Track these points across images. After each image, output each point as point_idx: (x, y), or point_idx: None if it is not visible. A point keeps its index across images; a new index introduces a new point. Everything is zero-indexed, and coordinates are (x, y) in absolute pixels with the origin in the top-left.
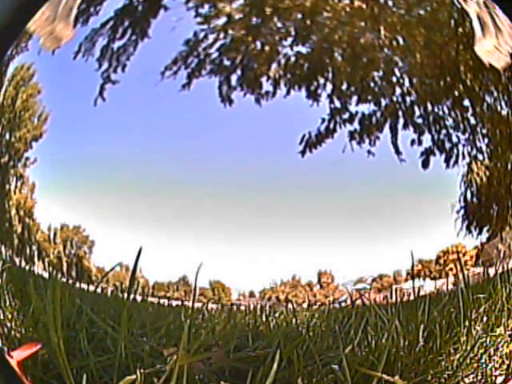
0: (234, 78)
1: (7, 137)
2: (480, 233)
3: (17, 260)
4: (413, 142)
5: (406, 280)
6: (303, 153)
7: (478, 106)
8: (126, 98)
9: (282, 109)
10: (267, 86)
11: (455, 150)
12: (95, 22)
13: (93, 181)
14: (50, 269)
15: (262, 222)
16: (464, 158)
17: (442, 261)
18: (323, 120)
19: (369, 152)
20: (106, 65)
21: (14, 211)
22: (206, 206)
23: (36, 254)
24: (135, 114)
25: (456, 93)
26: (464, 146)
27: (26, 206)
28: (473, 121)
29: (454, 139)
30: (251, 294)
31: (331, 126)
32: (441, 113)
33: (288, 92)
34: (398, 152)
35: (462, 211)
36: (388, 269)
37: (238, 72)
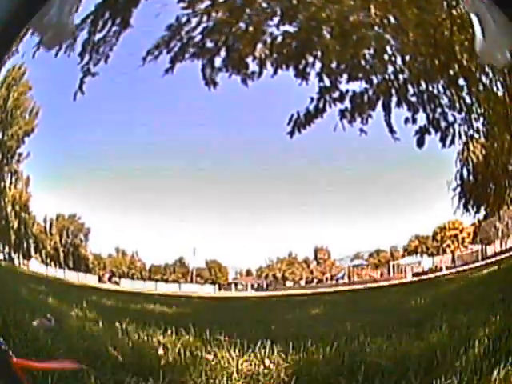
0: (218, 60)
1: (0, 136)
2: (478, 211)
3: (14, 255)
4: (407, 120)
5: (403, 256)
6: (291, 133)
7: (474, 86)
8: (113, 88)
9: (268, 89)
10: (253, 66)
11: (451, 130)
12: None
13: (86, 168)
14: (48, 260)
15: (257, 200)
16: (460, 137)
17: (439, 237)
18: (312, 99)
19: (361, 130)
20: (87, 57)
21: (10, 207)
22: (199, 186)
23: (33, 247)
24: (123, 102)
25: (451, 72)
26: (460, 125)
27: (21, 201)
28: (468, 100)
29: (450, 118)
30: (248, 273)
31: (320, 105)
32: (435, 91)
33: (275, 71)
34: (391, 130)
35: (459, 189)
36: (384, 244)
37: (223, 53)
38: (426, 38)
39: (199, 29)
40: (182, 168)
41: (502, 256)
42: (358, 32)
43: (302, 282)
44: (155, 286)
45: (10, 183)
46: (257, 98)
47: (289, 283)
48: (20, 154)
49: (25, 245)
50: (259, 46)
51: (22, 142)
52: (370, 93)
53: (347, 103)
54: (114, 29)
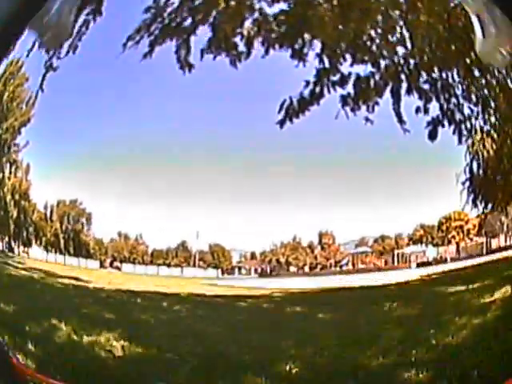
0: (201, 40)
1: None
2: (486, 207)
3: (14, 245)
4: (418, 109)
5: (408, 245)
6: (282, 123)
7: (490, 77)
8: (106, 74)
9: (258, 71)
10: (241, 46)
11: (466, 123)
12: None
13: (87, 154)
14: (49, 247)
15: (261, 184)
16: (476, 131)
17: (444, 227)
18: (308, 83)
19: (367, 119)
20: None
21: (9, 197)
22: (201, 171)
23: (33, 235)
24: (115, 89)
25: (467, 60)
26: (475, 118)
27: (20, 189)
28: (482, 92)
29: (466, 110)
30: (251, 257)
31: (318, 89)
32: (450, 80)
33: (266, 52)
34: (400, 120)
35: (468, 183)
36: (389, 231)
37: (208, 33)
38: (440, 20)
39: (180, 9)
40: (181, 153)
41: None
42: (361, 6)
43: (306, 268)
44: (157, 270)
45: (10, 173)
46: (245, 81)
47: (293, 268)
48: (16, 145)
49: (24, 233)
50: (247, 23)
51: (19, 133)
52: (377, 77)
53: (350, 88)
54: (85, 18)
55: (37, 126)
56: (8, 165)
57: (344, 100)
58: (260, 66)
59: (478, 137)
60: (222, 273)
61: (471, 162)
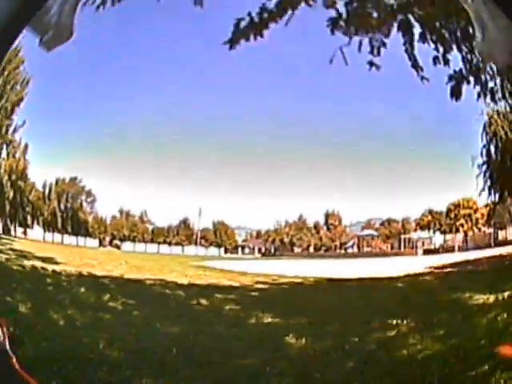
0: None
1: None
2: (501, 195)
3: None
4: (436, 59)
5: (415, 230)
6: (230, 43)
7: None
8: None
9: None
10: None
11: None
12: None
13: (87, 133)
14: (46, 227)
15: (266, 163)
16: (504, 97)
17: (452, 214)
18: None
19: (371, 64)
20: None
21: (6, 178)
22: (203, 148)
23: (30, 214)
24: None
25: None
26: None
27: (17, 170)
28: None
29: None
30: (256, 236)
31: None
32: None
33: None
34: (415, 65)
35: (484, 167)
36: (397, 214)
37: None
38: None
39: None
40: (181, 128)
41: None
42: None
43: (311, 249)
44: (158, 248)
45: (7, 154)
46: None
47: (297, 249)
48: (16, 125)
49: (21, 214)
50: None
51: (12, 113)
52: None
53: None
54: None
55: (34, 105)
56: (4, 146)
57: (334, 24)
58: None
59: (496, 116)
60: (225, 251)
61: (488, 144)
